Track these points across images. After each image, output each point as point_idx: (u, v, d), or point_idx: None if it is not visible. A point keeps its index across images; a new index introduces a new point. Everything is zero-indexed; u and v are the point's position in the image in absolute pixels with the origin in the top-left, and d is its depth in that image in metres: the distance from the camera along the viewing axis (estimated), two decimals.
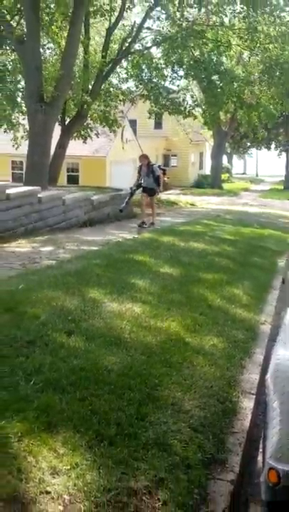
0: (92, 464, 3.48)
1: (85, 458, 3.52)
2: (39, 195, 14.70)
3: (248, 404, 5.04)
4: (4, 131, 30.34)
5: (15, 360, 4.71)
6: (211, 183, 52.59)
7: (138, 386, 4.61)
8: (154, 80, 31.37)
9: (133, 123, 45.31)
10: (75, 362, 4.83)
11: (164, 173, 18.58)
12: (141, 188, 17.84)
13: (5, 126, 29.66)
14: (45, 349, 5.02)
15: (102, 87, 28.32)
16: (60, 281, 7.51)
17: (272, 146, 69.75)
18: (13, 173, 39.98)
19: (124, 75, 31.60)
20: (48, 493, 3.16)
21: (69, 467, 3.41)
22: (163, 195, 32.27)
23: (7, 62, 27.96)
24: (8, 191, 13.28)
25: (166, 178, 19.17)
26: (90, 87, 27.08)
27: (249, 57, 35.35)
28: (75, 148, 31.40)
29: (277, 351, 4.74)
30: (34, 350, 4.95)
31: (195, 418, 4.37)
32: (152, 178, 17.35)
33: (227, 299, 8.21)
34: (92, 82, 27.18)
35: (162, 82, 32.34)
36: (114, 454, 3.64)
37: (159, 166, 18.28)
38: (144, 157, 18.04)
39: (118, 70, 30.52)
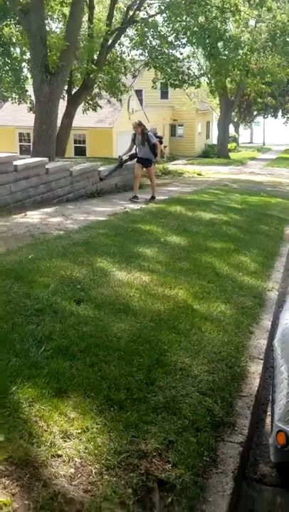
0: (103, 428, 3.52)
1: (95, 422, 3.57)
2: (47, 166, 14.65)
3: (256, 368, 5.07)
4: (18, 103, 30.37)
5: (25, 328, 4.76)
6: (217, 152, 52.22)
7: (147, 352, 4.65)
8: (159, 49, 30.98)
9: (139, 93, 45.06)
10: (84, 329, 4.88)
11: (161, 142, 16.68)
12: (135, 159, 16.31)
13: (14, 95, 29.70)
14: (54, 317, 5.07)
15: (108, 57, 28.11)
16: (69, 251, 7.56)
17: (279, 114, 69.34)
18: (20, 145, 39.85)
19: (129, 44, 31.31)
20: (59, 456, 3.21)
21: (80, 431, 3.46)
22: (170, 166, 32.17)
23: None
24: (15, 163, 13.25)
25: (163, 148, 17.47)
26: (96, 56, 26.88)
27: (255, 24, 34.92)
28: (81, 119, 31.31)
29: (284, 317, 4.80)
30: (44, 318, 5.00)
31: (204, 382, 4.41)
32: (148, 148, 15.77)
33: (234, 267, 8.22)
34: (98, 52, 26.97)
35: (166, 51, 31.83)
36: (125, 417, 3.68)
37: (154, 134, 16.49)
38: (137, 124, 15.89)
39: (123, 38, 30.23)
